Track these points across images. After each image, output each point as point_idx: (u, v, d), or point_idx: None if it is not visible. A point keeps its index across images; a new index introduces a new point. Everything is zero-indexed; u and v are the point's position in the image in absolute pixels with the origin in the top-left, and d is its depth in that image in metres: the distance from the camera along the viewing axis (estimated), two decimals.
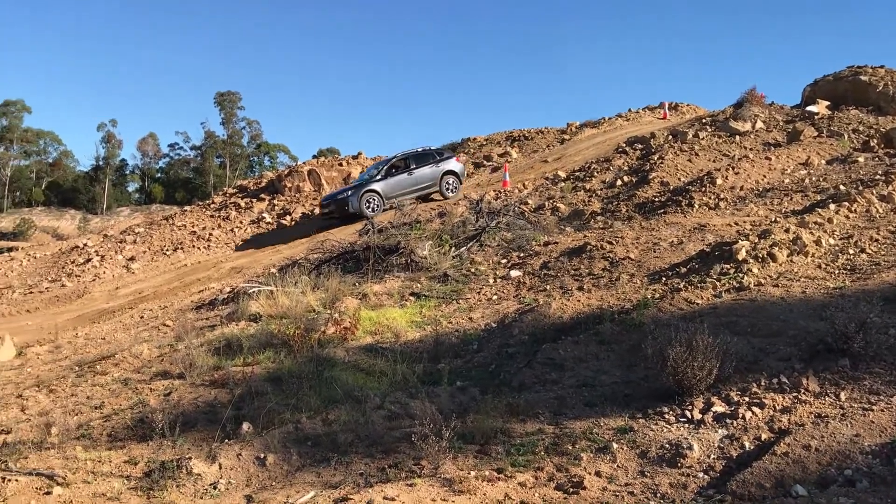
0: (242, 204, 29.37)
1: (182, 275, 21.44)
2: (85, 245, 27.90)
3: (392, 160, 24.50)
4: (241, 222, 27.35)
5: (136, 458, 6.79)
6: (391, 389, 8.10)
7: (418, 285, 12.79)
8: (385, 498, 5.43)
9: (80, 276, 22.94)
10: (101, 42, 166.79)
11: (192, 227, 27.52)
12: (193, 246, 25.19)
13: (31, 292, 21.94)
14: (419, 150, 24.99)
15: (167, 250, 25.03)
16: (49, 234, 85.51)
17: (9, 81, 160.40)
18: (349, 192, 23.40)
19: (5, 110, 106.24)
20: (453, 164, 24.56)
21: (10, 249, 37.09)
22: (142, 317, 16.40)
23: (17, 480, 6.33)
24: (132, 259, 24.41)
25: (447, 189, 23.92)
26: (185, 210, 32.68)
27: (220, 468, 6.35)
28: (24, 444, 7.43)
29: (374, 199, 22.86)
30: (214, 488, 6.10)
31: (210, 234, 26.15)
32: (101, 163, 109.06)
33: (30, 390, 10.03)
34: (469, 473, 5.82)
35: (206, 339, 10.91)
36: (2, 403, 9.55)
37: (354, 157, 32.94)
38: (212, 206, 31.00)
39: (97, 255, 25.30)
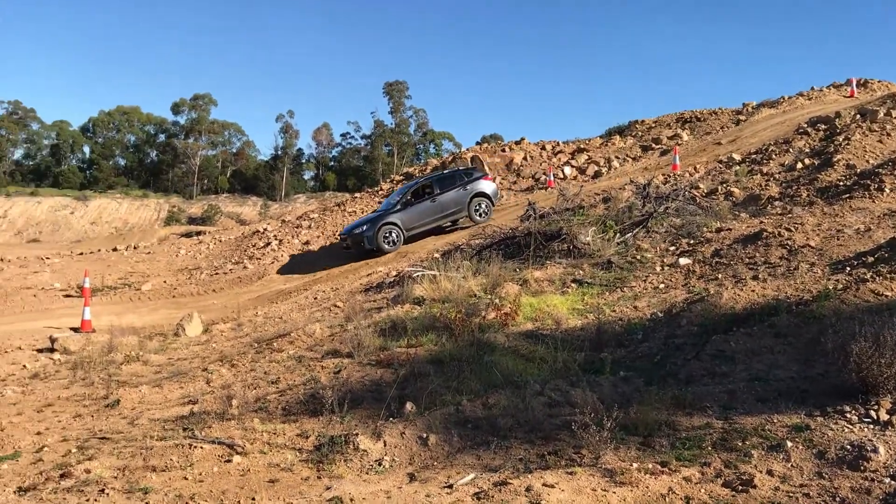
0: None
1: (353, 258, 22.31)
2: (265, 230, 29.69)
3: (413, 186, 22.79)
4: None
5: (307, 431, 7.15)
6: (551, 376, 8.04)
7: (580, 272, 12.60)
8: (545, 484, 5.40)
9: (260, 259, 24.43)
10: (280, 36, 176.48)
11: (362, 212, 28.56)
12: None
13: (216, 273, 23.62)
14: (445, 172, 23.58)
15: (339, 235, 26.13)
16: (233, 220, 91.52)
17: (199, 76, 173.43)
18: (365, 227, 21.43)
19: (195, 104, 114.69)
20: (484, 185, 22.51)
21: (199, 234, 40.10)
22: (315, 298, 17.23)
23: (202, 448, 6.84)
24: (307, 243, 25.69)
25: (476, 212, 21.99)
26: (356, 197, 33.99)
27: (385, 445, 6.56)
28: (208, 414, 8.01)
29: (393, 232, 21.21)
30: (379, 465, 6.32)
31: None
32: (279, 152, 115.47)
33: (214, 364, 10.81)
34: (631, 465, 5.68)
35: (373, 321, 11.29)
36: (190, 376, 10.36)
37: (517, 143, 32.96)
38: (380, 192, 32.05)
39: (276, 239, 26.84)
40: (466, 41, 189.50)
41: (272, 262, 23.82)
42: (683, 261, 12.24)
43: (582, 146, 31.74)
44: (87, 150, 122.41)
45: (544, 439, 6.49)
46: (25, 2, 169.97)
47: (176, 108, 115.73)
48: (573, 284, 11.99)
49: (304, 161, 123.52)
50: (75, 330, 15.55)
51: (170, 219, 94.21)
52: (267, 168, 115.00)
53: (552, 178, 27.33)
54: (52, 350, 13.44)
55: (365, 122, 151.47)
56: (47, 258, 30.69)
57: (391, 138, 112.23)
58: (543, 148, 31.97)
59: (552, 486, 5.37)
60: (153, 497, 5.83)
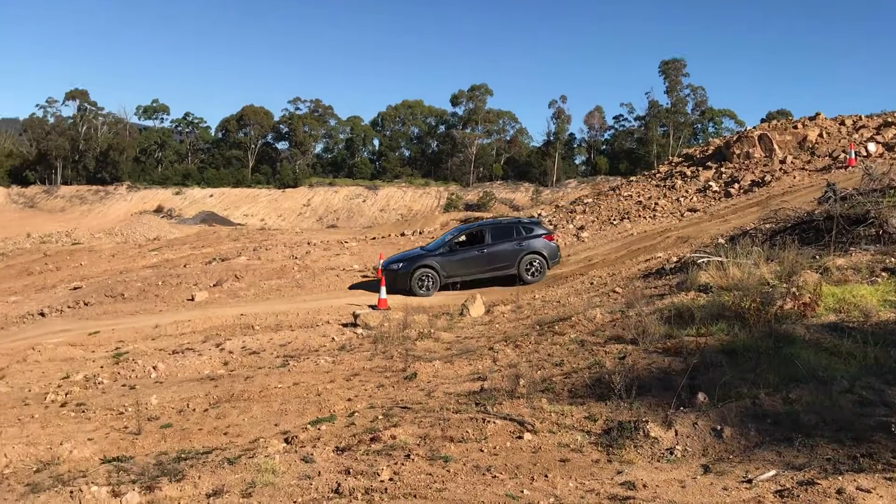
0: (688, 172, 29.03)
1: (629, 243, 22.01)
2: (539, 215, 30.22)
3: (464, 230, 21.15)
4: (686, 191, 27.07)
5: (594, 415, 7.21)
6: (861, 373, 7.34)
7: (892, 260, 11.34)
8: (859, 489, 4.98)
9: None
10: (552, 22, 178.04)
11: (638, 196, 28.03)
12: (639, 215, 25.65)
13: None
14: (502, 222, 21.38)
15: (614, 220, 25.87)
16: (506, 206, 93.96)
17: (477, 66, 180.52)
18: (401, 265, 19.80)
19: (472, 94, 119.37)
20: (541, 244, 19.97)
21: (476, 219, 41.82)
22: (591, 283, 17.22)
23: (494, 423, 7.17)
24: (581, 228, 25.75)
25: (527, 271, 19.64)
26: (631, 180, 33.39)
27: (676, 435, 6.43)
28: (497, 391, 8.37)
29: (428, 277, 19.47)
30: (671, 453, 6.20)
31: (655, 204, 26.37)
32: (551, 138, 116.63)
33: (499, 344, 11.24)
34: None
35: (655, 308, 11.05)
36: (477, 354, 10.87)
37: (811, 119, 30.31)
38: (657, 175, 31.20)
39: (550, 224, 27.21)
40: (749, 13, 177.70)
41: None
42: None
43: (889, 119, 28.39)
44: (376, 142, 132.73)
45: (855, 440, 5.97)
46: (323, 15, 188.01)
47: (455, 100, 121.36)
48: (884, 273, 10.82)
49: (575, 146, 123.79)
50: (373, 307, 16.96)
51: (448, 205, 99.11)
52: (539, 154, 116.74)
53: (854, 155, 24.78)
54: (354, 325, 14.79)
55: (639, 103, 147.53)
56: (345, 242, 33.77)
57: (666, 119, 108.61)
58: (842, 123, 29.06)
59: (868, 492, 4.95)
60: (453, 465, 6.21)
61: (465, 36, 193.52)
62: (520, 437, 6.84)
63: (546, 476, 5.91)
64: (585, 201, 30.65)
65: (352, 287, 21.01)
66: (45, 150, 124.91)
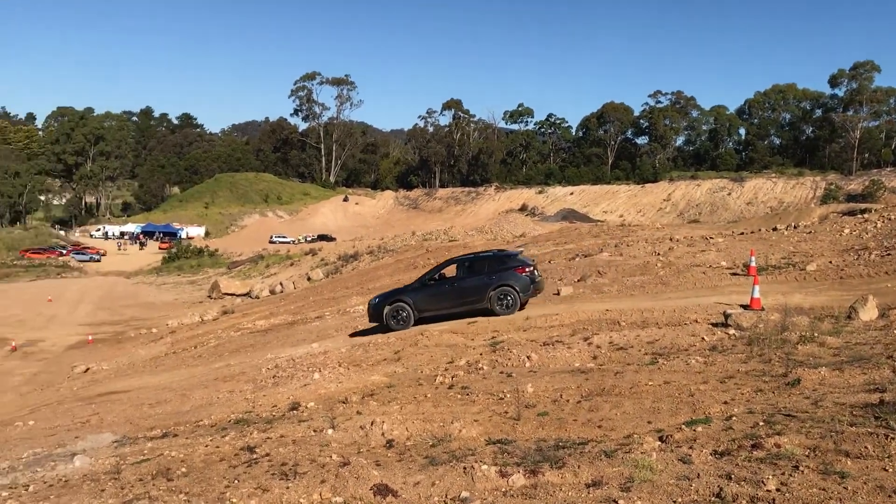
0: None
1: None
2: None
3: (443, 266, 20.90)
4: None
5: None
6: None
7: None
8: None
9: None
10: None
11: None
12: None
13: (888, 254, 21.74)
14: (480, 254, 21.00)
15: None
16: None
17: (856, 43, 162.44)
18: (377, 300, 20.25)
19: (854, 73, 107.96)
20: (513, 278, 19.25)
21: (863, 211, 37.60)
22: None
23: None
24: None
25: (499, 303, 19.07)
26: None
27: None
28: None
29: (402, 311, 19.54)
30: None
31: None
32: None
33: None
34: None
35: None
36: (872, 362, 9.75)
37: None
38: None
39: None
40: None
41: None
42: None
43: None
44: (742, 131, 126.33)
45: None
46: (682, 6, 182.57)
47: (833, 81, 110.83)
48: None
49: None
50: (745, 307, 16.07)
51: (826, 196, 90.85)
52: None
53: None
54: (725, 325, 14.15)
55: None
56: (710, 238, 32.51)
57: None
58: None
59: None
60: (851, 483, 5.65)
61: (841, 10, 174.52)
62: None
63: None
64: None
65: (720, 285, 20.16)
66: (425, 157, 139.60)
